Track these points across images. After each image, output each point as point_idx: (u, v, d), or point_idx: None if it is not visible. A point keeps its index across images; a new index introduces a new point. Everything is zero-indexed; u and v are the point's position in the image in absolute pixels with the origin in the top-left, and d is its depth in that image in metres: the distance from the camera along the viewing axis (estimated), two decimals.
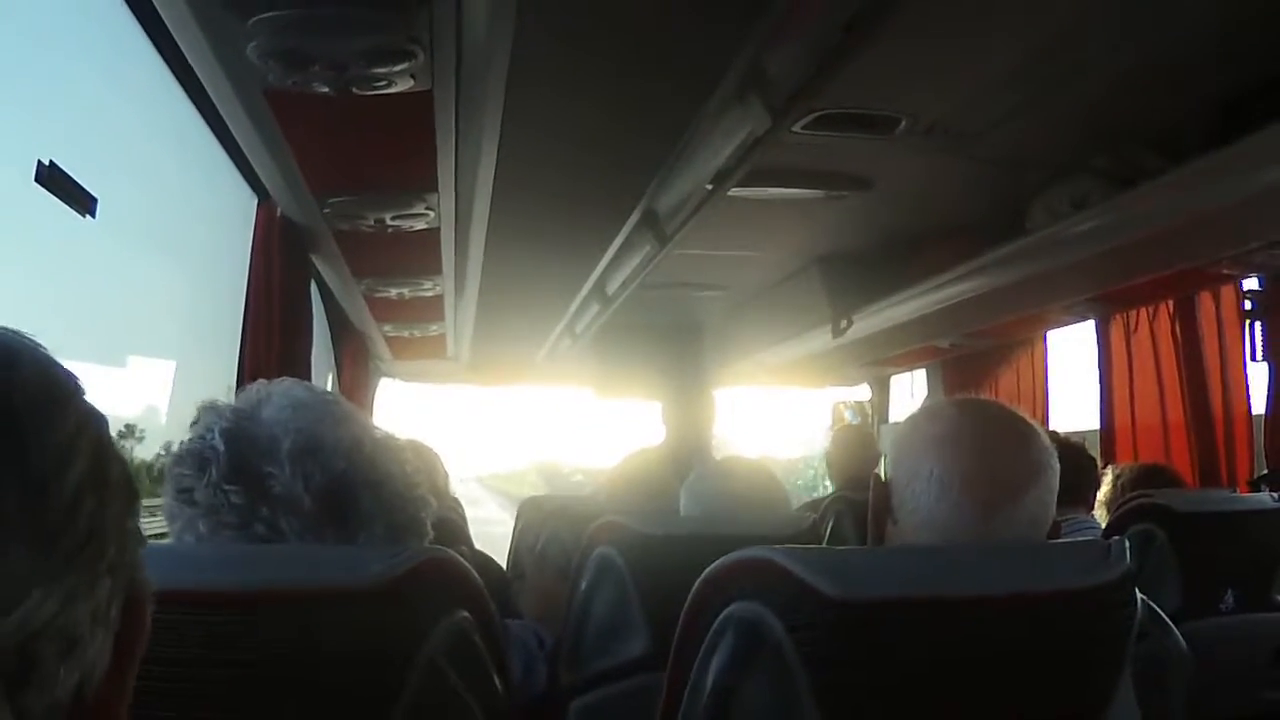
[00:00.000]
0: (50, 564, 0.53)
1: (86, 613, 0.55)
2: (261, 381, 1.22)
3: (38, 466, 0.54)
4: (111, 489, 0.58)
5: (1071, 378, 4.68)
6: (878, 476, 1.39)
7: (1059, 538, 1.36)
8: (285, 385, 1.22)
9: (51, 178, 1.60)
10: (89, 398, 0.60)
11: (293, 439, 1.13)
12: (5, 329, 0.58)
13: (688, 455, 4.45)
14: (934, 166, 2.73)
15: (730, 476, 2.25)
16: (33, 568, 0.52)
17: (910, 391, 5.37)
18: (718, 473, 2.30)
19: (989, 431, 1.34)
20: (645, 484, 2.88)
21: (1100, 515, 3.09)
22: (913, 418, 1.42)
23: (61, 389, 0.58)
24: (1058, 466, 1.34)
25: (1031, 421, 1.38)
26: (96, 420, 0.59)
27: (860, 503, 1.76)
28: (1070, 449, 2.84)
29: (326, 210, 2.34)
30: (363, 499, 1.15)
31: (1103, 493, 3.16)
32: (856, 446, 4.28)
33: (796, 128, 2.33)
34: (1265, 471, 3.35)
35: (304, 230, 2.56)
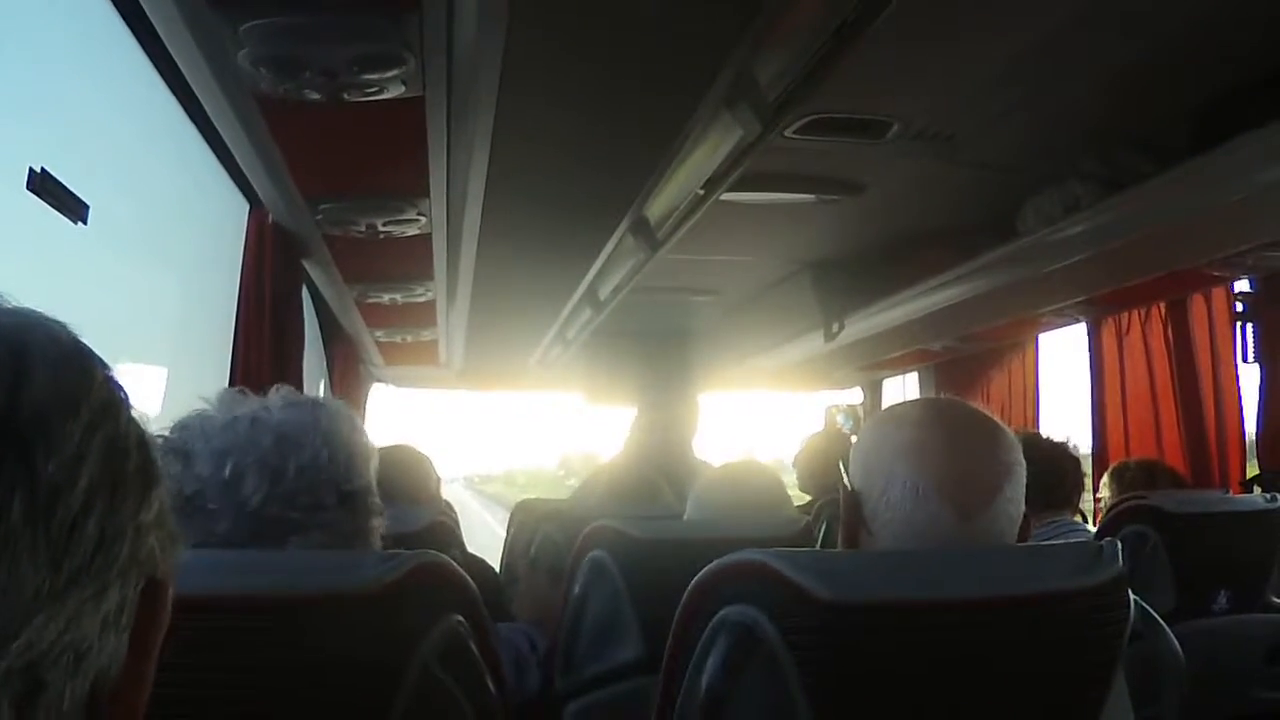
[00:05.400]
0: (57, 582, 0.51)
1: (95, 623, 0.53)
2: (230, 391, 1.26)
3: (45, 482, 0.51)
4: (126, 485, 0.55)
5: (1063, 381, 4.70)
6: (845, 486, 1.37)
7: (1030, 534, 1.36)
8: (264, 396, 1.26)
9: (44, 185, 1.60)
10: (110, 375, 0.57)
11: (257, 451, 1.17)
12: (21, 317, 0.55)
13: (674, 459, 4.44)
14: (925, 171, 2.73)
15: (735, 482, 2.25)
16: (38, 588, 0.50)
17: (903, 395, 5.38)
18: (723, 478, 2.30)
19: (959, 435, 1.33)
20: (632, 488, 2.88)
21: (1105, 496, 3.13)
22: (878, 425, 1.40)
23: (75, 388, 0.54)
24: (1025, 463, 1.34)
25: (997, 420, 1.37)
26: (113, 412, 0.56)
27: None
28: (1052, 451, 2.84)
29: (318, 216, 2.34)
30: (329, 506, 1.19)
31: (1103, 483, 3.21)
32: (829, 453, 4.26)
33: (788, 132, 2.34)
34: (1257, 472, 3.36)
35: (295, 236, 2.56)
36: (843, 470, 1.38)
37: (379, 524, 1.27)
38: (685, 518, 2.23)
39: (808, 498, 4.11)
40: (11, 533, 0.49)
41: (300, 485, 1.18)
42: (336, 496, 1.21)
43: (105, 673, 0.55)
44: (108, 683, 0.55)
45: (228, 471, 1.16)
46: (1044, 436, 2.98)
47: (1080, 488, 2.97)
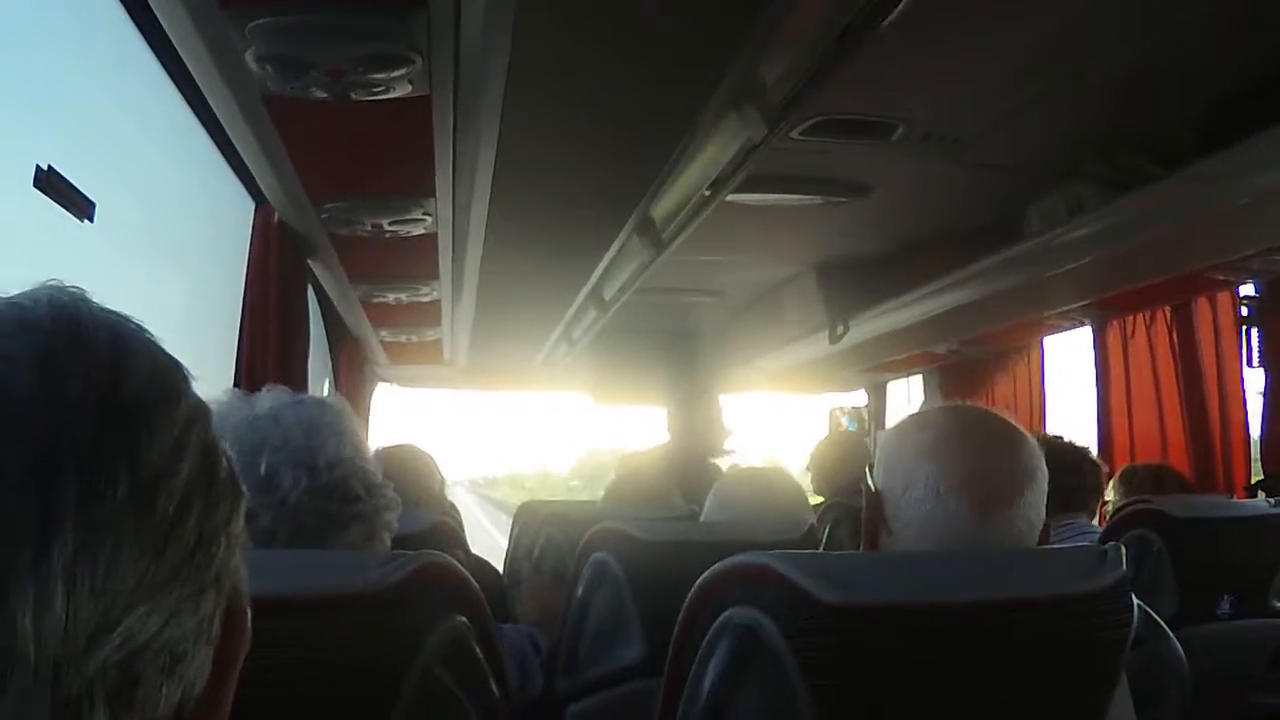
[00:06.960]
0: (157, 574, 0.50)
1: (191, 627, 0.52)
2: (237, 391, 1.26)
3: (148, 465, 0.50)
4: (219, 489, 0.55)
5: (1068, 384, 4.69)
6: (869, 486, 1.38)
7: (1049, 541, 1.36)
8: (269, 394, 1.25)
9: (50, 182, 1.60)
10: (196, 389, 0.57)
11: (269, 453, 1.17)
12: (114, 314, 0.55)
13: (685, 461, 4.45)
14: (930, 172, 2.73)
15: (755, 485, 2.25)
16: (141, 575, 0.49)
17: (907, 397, 5.37)
18: (743, 481, 2.31)
19: (981, 438, 1.34)
20: (645, 488, 2.89)
21: (1113, 500, 3.13)
22: (901, 426, 1.41)
23: (172, 381, 0.54)
24: (1047, 471, 1.35)
25: (1019, 426, 1.38)
26: (205, 415, 0.56)
27: (857, 509, 1.78)
28: (1070, 453, 2.85)
29: (324, 215, 2.34)
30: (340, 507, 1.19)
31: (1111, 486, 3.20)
32: (842, 454, 4.25)
33: (793, 133, 2.34)
34: (1262, 477, 3.35)
35: (301, 235, 2.56)
36: (867, 472, 1.39)
37: (393, 517, 1.27)
38: (703, 518, 2.23)
39: (820, 499, 4.11)
40: (115, 512, 0.48)
41: (334, 478, 1.20)
42: (364, 488, 1.23)
43: (192, 688, 0.54)
44: (191, 701, 0.54)
45: (263, 468, 1.16)
46: (1065, 440, 2.98)
47: (1098, 491, 2.97)
